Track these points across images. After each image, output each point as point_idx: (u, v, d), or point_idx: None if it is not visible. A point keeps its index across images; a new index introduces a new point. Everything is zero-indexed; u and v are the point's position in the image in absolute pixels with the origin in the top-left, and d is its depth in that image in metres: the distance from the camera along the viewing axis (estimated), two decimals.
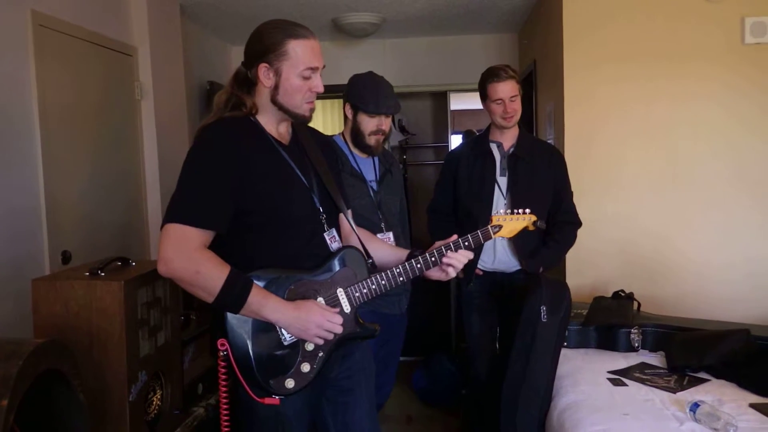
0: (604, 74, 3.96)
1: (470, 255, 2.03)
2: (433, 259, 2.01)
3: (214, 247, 1.83)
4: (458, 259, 2.01)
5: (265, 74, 1.89)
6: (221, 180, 1.81)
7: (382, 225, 2.87)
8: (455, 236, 2.03)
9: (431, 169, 6.73)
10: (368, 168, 2.94)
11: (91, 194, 3.56)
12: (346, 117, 2.91)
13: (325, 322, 1.85)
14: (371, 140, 2.84)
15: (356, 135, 2.85)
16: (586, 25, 3.96)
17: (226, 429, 1.91)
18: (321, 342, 1.88)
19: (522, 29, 5.68)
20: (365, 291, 1.96)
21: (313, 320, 1.84)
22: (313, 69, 1.90)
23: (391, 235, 2.88)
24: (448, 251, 2.01)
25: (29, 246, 3.05)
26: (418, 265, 2.00)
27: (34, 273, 2.82)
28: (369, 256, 2.04)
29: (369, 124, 2.82)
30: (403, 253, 2.11)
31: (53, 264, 3.17)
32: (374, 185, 2.92)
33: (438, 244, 2.03)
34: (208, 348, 2.86)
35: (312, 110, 1.95)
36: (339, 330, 1.88)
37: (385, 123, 2.84)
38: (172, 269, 1.76)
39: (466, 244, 2.02)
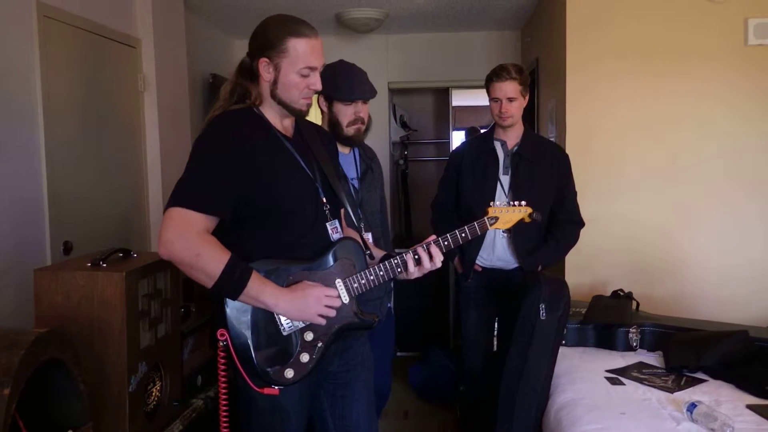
0: (606, 72, 3.95)
1: (440, 257, 2.03)
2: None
3: (215, 236, 1.83)
4: (422, 268, 2.02)
5: (265, 68, 1.92)
6: (227, 168, 1.82)
7: (362, 225, 2.71)
8: (433, 237, 2.04)
9: (432, 166, 6.73)
10: (349, 165, 2.81)
11: (93, 185, 3.57)
12: (322, 111, 2.76)
13: (324, 298, 1.87)
14: (350, 130, 2.69)
15: (334, 127, 2.69)
16: (589, 23, 3.96)
17: (224, 420, 1.92)
18: (323, 322, 1.89)
19: (525, 26, 5.67)
20: (363, 281, 1.97)
21: (311, 296, 1.85)
22: (312, 68, 1.92)
23: (369, 236, 2.77)
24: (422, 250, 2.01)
25: (31, 236, 3.06)
26: (416, 256, 2.00)
27: (35, 263, 2.83)
28: (367, 248, 2.06)
29: (346, 113, 2.67)
30: (380, 253, 2.11)
31: (55, 254, 3.18)
32: (355, 183, 2.81)
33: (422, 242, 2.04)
34: (208, 340, 2.89)
35: (309, 105, 1.99)
36: (338, 304, 1.90)
37: (363, 110, 2.70)
38: (173, 251, 1.77)
39: (446, 243, 2.03)
